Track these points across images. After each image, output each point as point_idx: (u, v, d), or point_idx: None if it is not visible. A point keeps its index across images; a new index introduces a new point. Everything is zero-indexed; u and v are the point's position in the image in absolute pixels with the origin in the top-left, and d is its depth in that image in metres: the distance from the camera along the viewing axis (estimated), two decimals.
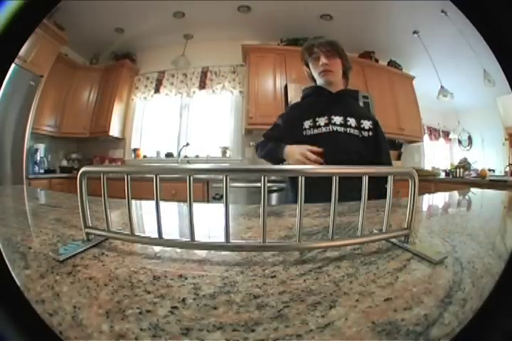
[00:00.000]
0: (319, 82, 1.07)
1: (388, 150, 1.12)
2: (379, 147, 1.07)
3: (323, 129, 1.00)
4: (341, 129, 1.00)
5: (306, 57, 1.08)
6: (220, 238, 0.22)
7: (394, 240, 0.26)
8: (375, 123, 1.08)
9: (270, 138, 1.09)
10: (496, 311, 0.16)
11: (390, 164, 1.11)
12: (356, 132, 1.02)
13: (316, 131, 1.01)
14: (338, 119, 1.01)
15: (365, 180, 0.23)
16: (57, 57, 2.82)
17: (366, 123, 1.05)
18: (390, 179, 0.23)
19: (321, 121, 1.01)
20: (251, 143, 3.08)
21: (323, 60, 1.00)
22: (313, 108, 1.06)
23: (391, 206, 0.24)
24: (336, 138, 0.99)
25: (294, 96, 2.69)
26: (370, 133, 1.04)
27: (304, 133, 1.01)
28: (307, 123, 1.02)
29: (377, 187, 0.68)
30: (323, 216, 0.38)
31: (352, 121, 1.02)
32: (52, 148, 3.24)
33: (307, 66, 1.10)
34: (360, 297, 0.17)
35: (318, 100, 1.07)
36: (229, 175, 0.21)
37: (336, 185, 0.22)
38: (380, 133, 1.10)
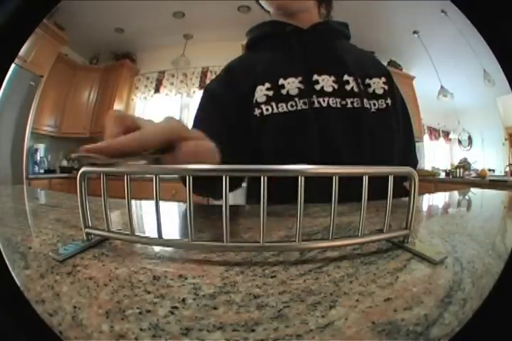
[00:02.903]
0: (275, 12, 0.58)
1: (413, 136, 0.64)
2: (404, 131, 0.58)
3: (299, 104, 0.50)
4: (335, 103, 0.51)
5: None
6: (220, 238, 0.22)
7: (394, 240, 0.26)
8: (390, 78, 0.57)
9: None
10: (496, 311, 0.16)
11: (416, 162, 0.65)
12: (365, 103, 0.52)
13: (281, 108, 0.50)
14: (326, 81, 0.51)
15: (365, 181, 0.22)
16: (57, 57, 2.83)
17: (377, 82, 0.55)
18: (390, 179, 0.23)
19: (291, 85, 0.51)
20: None
21: None
22: (272, 62, 0.55)
23: (391, 206, 0.24)
24: (328, 127, 0.50)
25: None
26: (388, 101, 0.54)
27: (256, 112, 0.51)
28: (261, 92, 0.51)
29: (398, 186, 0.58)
30: (324, 216, 0.38)
31: (352, 82, 0.52)
32: (52, 148, 3.25)
33: None
34: (360, 297, 0.17)
35: (279, 46, 0.56)
36: (229, 175, 0.21)
37: (335, 185, 0.22)
38: (400, 98, 0.59)
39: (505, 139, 3.55)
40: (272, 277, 0.20)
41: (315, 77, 0.52)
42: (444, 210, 0.52)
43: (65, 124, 3.22)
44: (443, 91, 3.24)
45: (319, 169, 0.22)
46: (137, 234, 0.24)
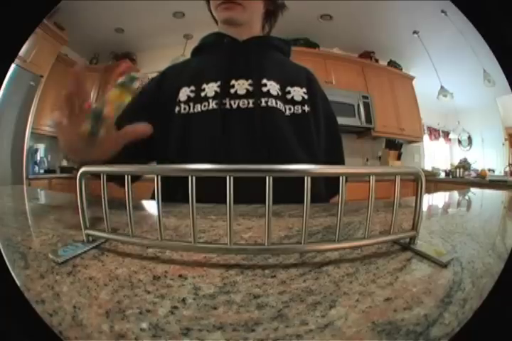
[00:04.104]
0: (220, 24, 0.64)
1: (340, 139, 0.68)
2: (327, 135, 0.64)
3: (211, 105, 0.54)
4: (246, 103, 0.54)
5: None
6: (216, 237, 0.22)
7: (400, 241, 0.25)
8: (312, 92, 0.61)
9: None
10: (495, 311, 0.16)
11: (342, 163, 0.70)
12: (279, 105, 0.56)
13: (196, 109, 0.55)
14: (241, 85, 0.56)
15: (372, 180, 0.22)
16: (57, 57, 2.82)
17: (297, 91, 0.59)
18: (397, 180, 0.23)
19: (210, 89, 0.56)
20: None
21: None
22: (201, 68, 0.61)
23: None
24: (232, 126, 0.53)
25: None
26: (306, 108, 0.58)
27: (177, 110, 0.57)
28: (185, 93, 0.57)
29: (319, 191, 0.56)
30: (323, 216, 0.38)
31: (272, 86, 0.56)
32: (52, 148, 3.24)
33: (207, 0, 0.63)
34: (360, 297, 0.17)
35: (213, 55, 0.62)
36: (232, 176, 0.20)
37: (342, 186, 0.21)
38: (323, 105, 0.63)
39: (505, 139, 3.55)
40: (271, 277, 0.20)
41: (232, 81, 0.56)
42: (444, 210, 0.52)
43: None
44: (443, 91, 3.24)
45: (325, 169, 0.21)
46: (137, 235, 0.24)
